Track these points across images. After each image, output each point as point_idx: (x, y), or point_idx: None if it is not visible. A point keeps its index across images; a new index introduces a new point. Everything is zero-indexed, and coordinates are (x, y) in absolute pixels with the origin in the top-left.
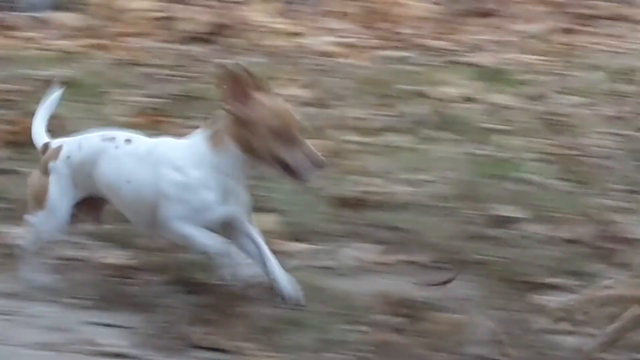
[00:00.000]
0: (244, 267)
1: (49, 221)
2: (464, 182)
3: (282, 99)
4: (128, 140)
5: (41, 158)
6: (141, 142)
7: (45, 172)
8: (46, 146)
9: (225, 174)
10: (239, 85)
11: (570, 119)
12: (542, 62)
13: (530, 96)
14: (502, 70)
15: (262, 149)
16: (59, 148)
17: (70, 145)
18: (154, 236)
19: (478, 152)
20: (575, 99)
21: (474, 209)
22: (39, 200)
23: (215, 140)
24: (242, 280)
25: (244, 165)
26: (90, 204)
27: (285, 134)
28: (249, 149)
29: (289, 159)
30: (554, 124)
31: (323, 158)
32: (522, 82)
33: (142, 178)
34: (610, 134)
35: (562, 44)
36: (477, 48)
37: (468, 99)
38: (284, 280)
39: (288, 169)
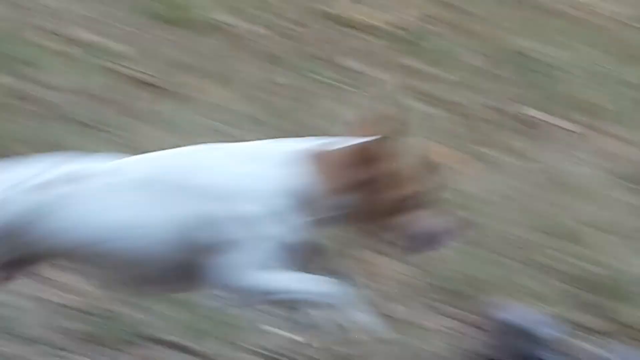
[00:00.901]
0: (359, 310)
1: None
2: None
3: (429, 150)
4: (97, 175)
5: None
6: (133, 168)
7: None
8: None
9: (308, 219)
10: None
11: None
12: None
13: None
14: None
15: (386, 213)
16: None
17: None
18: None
19: None
20: None
21: None
22: None
23: (324, 174)
24: (362, 328)
25: (339, 220)
26: None
27: (418, 197)
28: (369, 208)
29: (417, 226)
30: None
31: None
32: None
33: (168, 217)
34: None
35: None
36: None
37: None
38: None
39: (412, 238)
